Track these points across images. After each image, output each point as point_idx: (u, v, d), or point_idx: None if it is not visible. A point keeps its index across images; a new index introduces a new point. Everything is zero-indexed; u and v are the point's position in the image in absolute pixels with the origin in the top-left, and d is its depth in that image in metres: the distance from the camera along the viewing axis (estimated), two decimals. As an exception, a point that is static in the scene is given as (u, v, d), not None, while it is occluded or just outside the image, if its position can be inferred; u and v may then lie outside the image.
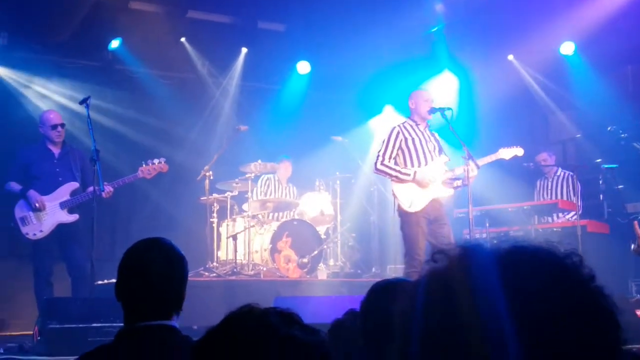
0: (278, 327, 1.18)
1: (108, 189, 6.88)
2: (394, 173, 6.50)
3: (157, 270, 2.40)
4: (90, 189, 6.78)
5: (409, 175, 6.42)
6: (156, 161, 7.34)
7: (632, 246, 3.44)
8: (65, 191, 7.04)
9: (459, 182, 6.58)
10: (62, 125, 7.21)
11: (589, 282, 0.98)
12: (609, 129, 8.49)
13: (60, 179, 7.04)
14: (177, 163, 8.93)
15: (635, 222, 3.70)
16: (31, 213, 6.89)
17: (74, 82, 9.36)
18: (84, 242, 6.99)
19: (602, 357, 0.93)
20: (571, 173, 8.33)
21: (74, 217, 7.05)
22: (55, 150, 7.18)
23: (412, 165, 6.54)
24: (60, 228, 6.99)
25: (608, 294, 0.98)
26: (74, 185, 7.09)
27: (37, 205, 6.84)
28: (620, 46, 8.64)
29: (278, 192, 9.63)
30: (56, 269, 7.18)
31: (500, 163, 6.94)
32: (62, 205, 6.98)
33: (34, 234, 6.87)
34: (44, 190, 6.98)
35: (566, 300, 0.94)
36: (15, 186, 7.02)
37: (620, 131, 8.17)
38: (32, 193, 6.88)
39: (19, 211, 6.94)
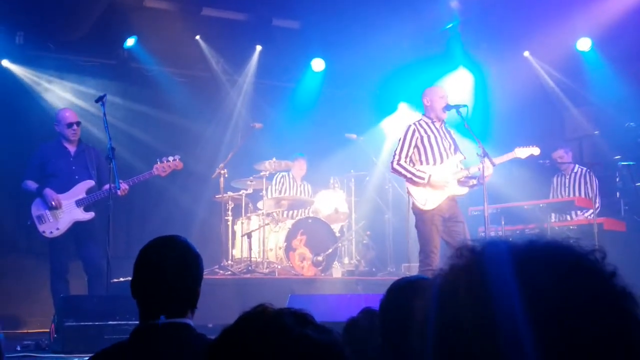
0: (292, 327, 1.18)
1: (124, 186, 6.92)
2: (409, 175, 6.47)
3: (173, 268, 2.41)
4: (106, 186, 6.83)
5: (423, 178, 6.39)
6: (171, 158, 7.38)
7: None
8: (81, 189, 7.09)
9: (474, 181, 6.53)
10: (78, 123, 7.26)
11: (609, 279, 0.96)
12: (626, 125, 8.43)
13: (76, 177, 7.09)
14: (192, 161, 8.96)
15: None
16: (47, 211, 6.94)
17: (90, 81, 9.42)
18: (100, 240, 7.02)
19: (620, 357, 0.91)
20: (588, 170, 8.25)
21: (89, 215, 7.09)
22: (71, 149, 7.22)
23: (428, 163, 6.51)
24: (77, 226, 7.04)
25: (630, 291, 0.96)
26: (90, 183, 7.13)
27: (53, 203, 6.89)
28: (638, 42, 8.56)
29: (293, 190, 9.63)
30: (72, 266, 7.24)
31: (515, 160, 6.89)
32: (78, 203, 7.02)
33: (51, 232, 6.92)
34: (60, 189, 7.02)
35: (582, 297, 0.92)
36: (31, 184, 7.06)
37: (637, 128, 8.11)
38: (48, 191, 6.93)
39: (36, 209, 6.99)
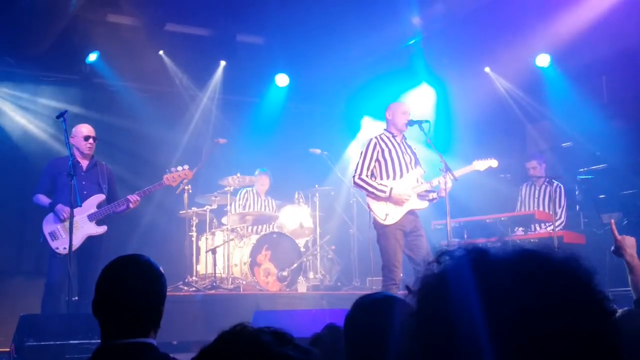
0: (271, 346, 1.19)
1: (134, 198, 7.01)
2: (370, 189, 6.52)
3: (135, 287, 2.40)
4: (116, 203, 6.96)
5: (384, 192, 6.44)
6: (180, 168, 7.41)
7: (612, 248, 3.50)
8: (92, 204, 7.02)
9: (434, 195, 6.61)
10: (95, 138, 7.19)
11: (586, 284, 0.97)
12: (581, 140, 8.59)
13: (85, 192, 6.99)
14: (155, 177, 8.89)
15: (612, 221, 3.76)
16: (59, 226, 6.82)
17: (51, 96, 9.31)
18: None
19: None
20: (559, 184, 8.27)
21: (102, 229, 7.03)
22: (84, 163, 7.15)
23: (388, 177, 6.56)
24: (88, 242, 6.94)
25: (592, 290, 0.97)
26: (101, 197, 7.08)
27: (65, 216, 6.74)
28: (595, 57, 8.75)
29: (257, 205, 9.62)
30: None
31: (478, 174, 6.99)
32: (91, 217, 6.95)
33: (64, 248, 6.71)
34: (70, 203, 6.90)
35: (541, 297, 0.93)
36: (43, 199, 6.97)
37: (592, 144, 8.27)
38: (60, 206, 6.82)
39: (48, 226, 6.86)
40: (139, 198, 7.07)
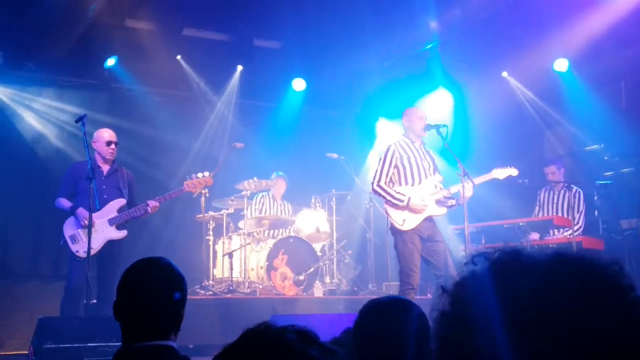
0: (295, 345, 1.18)
1: (153, 204, 7.03)
2: (388, 197, 6.50)
3: (157, 290, 2.40)
4: (135, 208, 6.99)
5: (402, 201, 6.42)
6: (200, 175, 7.43)
7: None
8: (112, 208, 7.05)
9: (453, 201, 6.57)
10: (116, 143, 7.24)
11: (584, 283, 0.96)
12: (600, 146, 8.53)
13: (105, 196, 7.02)
14: (174, 181, 8.94)
15: None
16: (80, 230, 6.86)
17: (70, 100, 9.39)
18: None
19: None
20: (578, 189, 8.20)
21: (122, 234, 7.06)
22: (105, 168, 7.20)
23: (407, 184, 6.54)
24: (108, 245, 6.97)
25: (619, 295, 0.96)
26: (122, 201, 7.11)
27: (85, 223, 6.77)
28: (613, 62, 8.69)
29: (273, 210, 9.62)
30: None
31: (495, 180, 6.94)
32: (111, 222, 6.99)
33: (84, 252, 6.74)
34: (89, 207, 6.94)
35: (560, 301, 0.93)
36: (65, 203, 7.01)
37: (611, 149, 8.20)
38: (81, 210, 6.85)
39: (69, 229, 6.90)
40: (157, 204, 7.08)
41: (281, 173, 9.78)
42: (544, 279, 0.95)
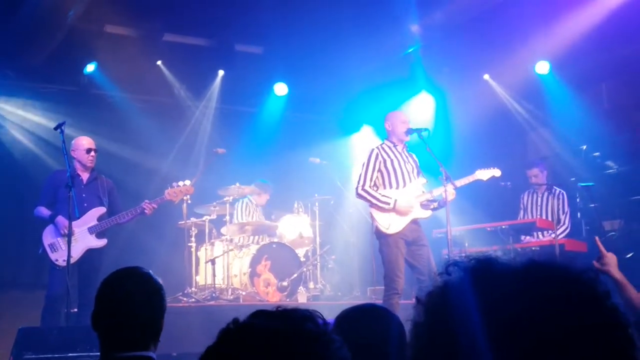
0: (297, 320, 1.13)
1: (151, 205, 7.01)
2: (374, 200, 6.49)
3: (135, 300, 2.36)
4: (123, 213, 6.98)
5: (388, 204, 6.41)
6: (181, 183, 7.40)
7: (595, 261, 3.43)
8: (92, 216, 7.00)
9: (435, 204, 6.59)
10: (96, 150, 7.18)
11: (555, 288, 0.96)
12: (582, 147, 8.56)
13: (85, 204, 6.96)
14: (155, 186, 8.85)
15: (597, 238, 3.70)
16: (59, 238, 6.79)
17: (49, 107, 9.29)
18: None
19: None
20: (561, 191, 8.20)
21: (102, 242, 7.01)
22: (84, 176, 7.13)
23: (391, 187, 6.53)
24: (88, 254, 6.89)
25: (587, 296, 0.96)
26: (101, 210, 7.06)
27: (64, 231, 6.69)
28: (594, 64, 8.74)
29: (256, 215, 9.57)
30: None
31: (479, 182, 6.94)
32: (91, 230, 6.92)
33: (64, 260, 6.68)
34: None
35: (534, 309, 0.93)
36: (44, 211, 6.95)
37: (593, 151, 8.23)
38: (60, 219, 6.78)
39: (49, 237, 6.84)
40: (156, 205, 7.10)
41: (266, 180, 9.73)
42: (517, 287, 0.95)
